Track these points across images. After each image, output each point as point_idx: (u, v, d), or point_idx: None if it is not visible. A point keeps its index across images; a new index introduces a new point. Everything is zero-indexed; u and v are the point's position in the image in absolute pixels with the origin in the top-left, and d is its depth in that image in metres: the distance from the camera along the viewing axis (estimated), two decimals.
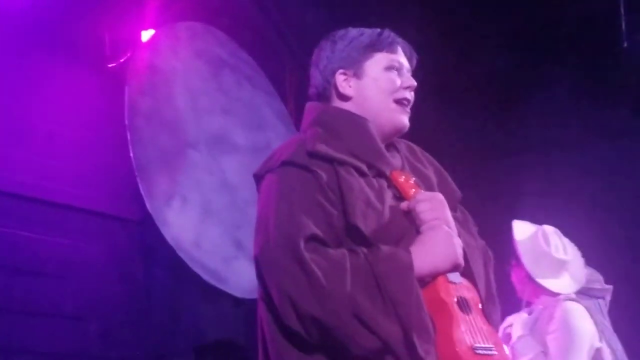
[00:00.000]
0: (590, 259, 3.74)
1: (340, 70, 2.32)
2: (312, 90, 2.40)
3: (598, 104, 5.14)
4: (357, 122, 2.26)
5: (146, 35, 4.85)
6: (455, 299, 2.11)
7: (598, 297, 3.69)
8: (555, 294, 3.58)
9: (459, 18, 5.22)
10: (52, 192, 4.41)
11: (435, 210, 2.16)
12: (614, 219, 5.06)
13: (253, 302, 4.95)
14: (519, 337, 3.53)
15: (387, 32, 2.36)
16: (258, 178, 2.25)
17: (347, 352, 1.99)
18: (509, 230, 3.65)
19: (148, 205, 4.45)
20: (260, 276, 2.10)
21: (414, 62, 2.39)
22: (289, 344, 2.04)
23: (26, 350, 4.23)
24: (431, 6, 5.09)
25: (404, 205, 2.18)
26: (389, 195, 2.20)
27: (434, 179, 2.35)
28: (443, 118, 5.24)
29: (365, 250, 2.06)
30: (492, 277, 2.31)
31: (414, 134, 2.41)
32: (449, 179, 2.40)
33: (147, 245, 3.91)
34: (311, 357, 2.03)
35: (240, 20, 5.40)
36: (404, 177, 2.23)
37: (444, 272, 2.11)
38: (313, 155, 2.15)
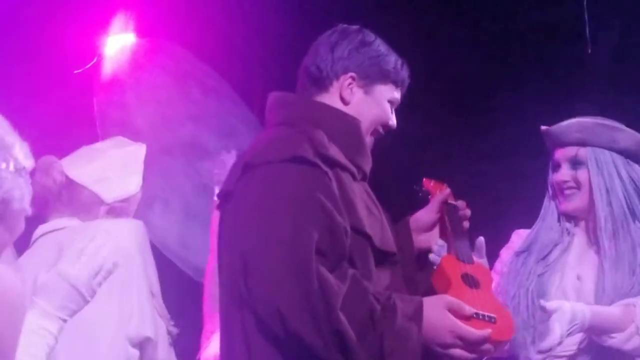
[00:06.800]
0: None
1: (352, 74, 2.26)
2: (311, 68, 2.29)
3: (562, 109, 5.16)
4: (352, 125, 2.22)
5: (110, 47, 4.84)
6: (461, 274, 2.10)
7: None
8: None
9: (426, 21, 5.24)
10: None
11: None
12: None
13: None
14: None
15: (405, 70, 2.35)
16: (247, 167, 2.11)
17: None
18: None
19: None
20: (250, 277, 2.03)
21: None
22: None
23: None
24: (399, 8, 5.09)
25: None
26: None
27: None
28: (407, 123, 5.19)
29: (379, 308, 2.00)
30: None
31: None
32: None
33: None
34: None
35: (204, 28, 5.39)
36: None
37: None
38: (321, 157, 2.08)
